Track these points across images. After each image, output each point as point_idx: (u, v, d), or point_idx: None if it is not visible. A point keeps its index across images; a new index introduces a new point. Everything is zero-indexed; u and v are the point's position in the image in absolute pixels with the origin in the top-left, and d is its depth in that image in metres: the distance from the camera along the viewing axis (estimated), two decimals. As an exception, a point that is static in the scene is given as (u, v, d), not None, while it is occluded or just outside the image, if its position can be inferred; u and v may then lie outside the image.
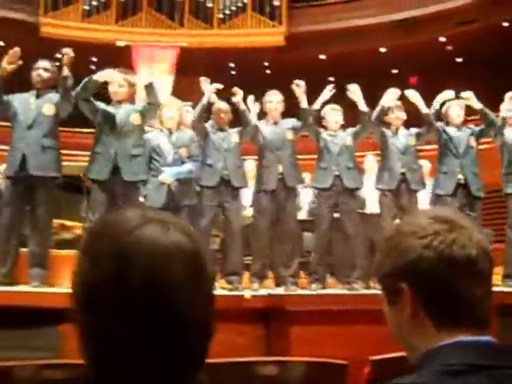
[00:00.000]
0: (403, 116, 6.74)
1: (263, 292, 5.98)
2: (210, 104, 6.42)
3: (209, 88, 6.37)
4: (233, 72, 16.48)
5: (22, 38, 14.03)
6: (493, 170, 7.01)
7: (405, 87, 6.95)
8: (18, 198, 5.72)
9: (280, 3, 15.86)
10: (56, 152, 5.81)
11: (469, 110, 6.99)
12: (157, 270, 0.99)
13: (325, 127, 6.69)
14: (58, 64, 5.90)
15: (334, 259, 6.86)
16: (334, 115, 6.65)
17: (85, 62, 5.95)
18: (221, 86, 6.42)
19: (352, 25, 15.12)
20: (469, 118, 7.28)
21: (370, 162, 8.15)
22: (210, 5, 15.95)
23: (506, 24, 14.08)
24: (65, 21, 15.45)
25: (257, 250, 6.48)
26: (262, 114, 6.69)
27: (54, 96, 5.80)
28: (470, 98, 6.74)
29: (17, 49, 5.69)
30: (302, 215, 7.79)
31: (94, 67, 11.39)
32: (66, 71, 5.70)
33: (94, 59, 14.05)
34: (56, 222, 7.19)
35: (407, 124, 6.83)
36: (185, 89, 11.23)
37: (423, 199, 6.84)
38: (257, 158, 6.74)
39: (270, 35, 15.74)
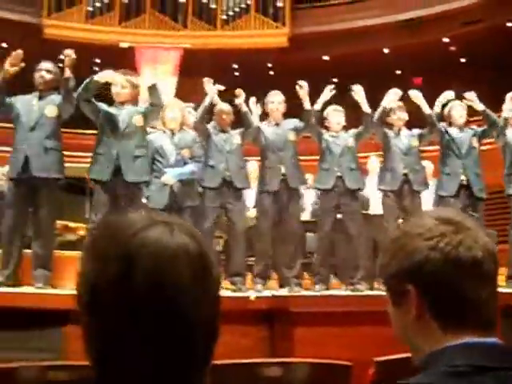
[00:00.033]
0: (405, 117, 6.73)
1: (267, 293, 5.98)
2: (212, 105, 6.42)
3: (212, 89, 6.38)
4: (236, 73, 16.48)
5: (26, 39, 14.05)
6: (495, 170, 7.00)
7: (408, 88, 6.94)
8: (20, 199, 5.72)
9: (283, 4, 15.87)
10: (58, 153, 5.82)
11: (471, 111, 6.98)
12: (162, 271, 0.98)
13: (327, 128, 6.69)
14: (61, 65, 5.90)
15: (337, 260, 6.85)
16: (336, 116, 6.65)
17: (88, 64, 5.95)
18: (223, 88, 6.43)
19: (355, 26, 15.13)
20: (471, 119, 7.27)
21: (374, 163, 8.15)
22: (213, 6, 15.96)
23: (510, 24, 14.07)
24: (68, 22, 15.47)
25: (260, 251, 6.48)
26: (264, 115, 6.69)
27: (57, 97, 5.80)
28: (472, 99, 6.74)
29: (19, 51, 5.69)
30: (306, 216, 7.79)
31: (97, 69, 11.40)
32: (67, 73, 5.71)
33: (98, 61, 14.07)
34: (60, 223, 7.20)
35: (409, 125, 6.83)
36: (188, 90, 11.23)
37: (427, 200, 6.83)
38: (259, 159, 6.74)
39: (274, 36, 15.75)
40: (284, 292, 6.13)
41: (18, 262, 5.68)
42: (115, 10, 15.76)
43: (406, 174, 6.55)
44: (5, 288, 5.40)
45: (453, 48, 15.27)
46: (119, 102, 5.93)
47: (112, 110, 5.89)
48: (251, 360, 2.72)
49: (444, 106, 6.82)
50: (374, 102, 6.63)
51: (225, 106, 6.48)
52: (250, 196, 6.94)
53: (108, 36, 15.39)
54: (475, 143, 6.73)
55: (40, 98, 5.81)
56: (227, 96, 6.46)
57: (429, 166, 7.89)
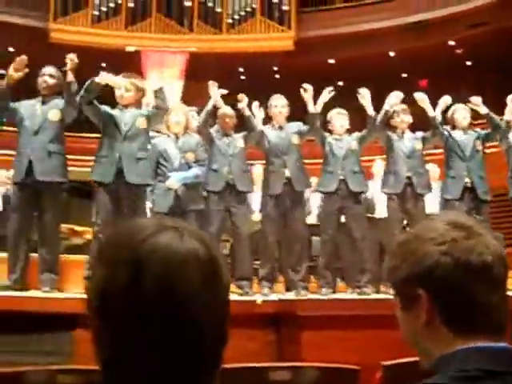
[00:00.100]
0: (409, 119, 6.72)
1: (274, 297, 5.98)
2: (215, 109, 6.43)
3: (216, 93, 6.39)
4: (242, 77, 16.51)
5: (32, 43, 14.13)
6: (499, 173, 6.99)
7: (414, 91, 6.93)
8: (25, 203, 5.73)
9: (289, 8, 15.89)
10: (62, 157, 5.82)
11: (476, 114, 6.97)
12: (171, 277, 0.99)
13: (330, 131, 6.69)
14: (66, 69, 5.90)
15: (343, 263, 6.84)
16: (339, 119, 6.64)
17: (94, 68, 5.96)
18: (226, 92, 6.43)
19: (361, 29, 15.13)
20: (475, 122, 7.26)
21: (379, 166, 8.13)
22: (218, 10, 16.00)
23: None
24: (74, 26, 15.54)
25: (265, 255, 6.48)
26: (267, 119, 6.69)
27: (60, 102, 5.81)
28: (477, 103, 6.73)
29: (24, 57, 5.70)
30: (312, 219, 7.78)
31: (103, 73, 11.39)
32: (70, 76, 5.71)
33: (104, 65, 14.10)
34: (66, 227, 7.20)
35: (414, 127, 6.82)
36: (194, 94, 11.24)
37: (431, 203, 6.82)
38: (264, 162, 6.74)
39: (279, 40, 15.77)
40: (291, 296, 6.12)
41: (25, 265, 5.68)
42: (121, 14, 15.82)
43: (409, 177, 6.54)
44: (12, 292, 5.40)
45: (458, 51, 15.26)
46: (123, 105, 5.93)
47: (115, 112, 5.89)
48: (260, 364, 2.72)
49: (447, 109, 6.81)
50: (380, 105, 6.62)
51: (228, 110, 6.48)
52: (255, 200, 6.93)
53: (114, 40, 15.43)
54: (479, 146, 6.72)
55: (43, 102, 5.82)
56: (233, 99, 6.46)
57: (434, 170, 7.88)
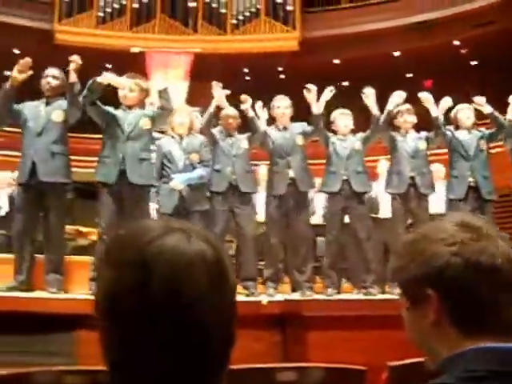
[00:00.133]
0: (413, 119, 6.71)
1: (279, 297, 5.97)
2: (218, 110, 6.43)
3: (220, 93, 6.39)
4: (247, 77, 16.51)
5: (37, 45, 14.16)
6: (503, 173, 6.98)
7: (419, 91, 6.92)
8: (29, 204, 5.74)
9: (293, 8, 15.88)
10: (65, 158, 5.83)
11: (480, 115, 6.96)
12: (179, 279, 0.99)
13: (334, 131, 6.68)
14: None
15: (348, 264, 6.83)
16: (343, 119, 6.64)
17: (99, 69, 5.96)
18: (228, 92, 6.43)
19: (366, 29, 15.12)
20: (480, 122, 7.24)
21: (383, 167, 8.12)
22: (223, 10, 16.00)
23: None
24: (79, 28, 15.55)
25: (269, 256, 6.48)
26: (270, 119, 6.68)
27: (63, 103, 5.81)
28: (481, 103, 6.71)
29: (28, 59, 5.70)
30: (317, 220, 7.78)
31: (108, 74, 11.40)
32: (73, 77, 5.72)
33: (109, 66, 14.12)
34: (72, 228, 7.22)
35: (418, 127, 6.81)
36: (199, 94, 11.25)
37: (436, 203, 6.81)
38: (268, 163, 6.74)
39: (284, 40, 15.76)
40: (296, 296, 6.12)
41: (31, 266, 5.69)
42: (126, 16, 15.83)
43: (412, 177, 6.53)
44: (18, 293, 5.41)
45: (463, 51, 15.24)
46: (126, 106, 5.93)
47: (118, 112, 5.89)
48: (267, 365, 2.72)
49: (451, 109, 6.80)
50: (385, 104, 6.61)
51: (231, 111, 6.48)
52: (260, 201, 6.94)
53: (119, 41, 15.45)
54: (483, 146, 6.70)
55: (47, 103, 5.83)
56: (237, 100, 6.45)
57: (440, 169, 7.87)
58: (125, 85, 5.87)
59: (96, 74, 5.79)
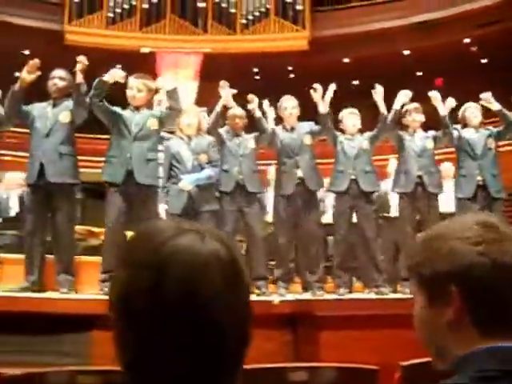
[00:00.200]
0: (421, 118, 6.69)
1: (290, 297, 5.97)
2: (225, 109, 6.43)
3: (227, 93, 6.40)
4: (257, 77, 16.51)
5: (47, 46, 14.20)
6: (511, 171, 6.95)
7: (429, 89, 6.90)
8: (38, 205, 5.76)
9: (303, 7, 15.86)
10: (73, 158, 5.84)
11: (488, 113, 6.93)
12: (193, 279, 0.99)
13: (342, 131, 6.68)
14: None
15: (357, 263, 6.82)
16: (351, 119, 6.64)
17: (109, 69, 5.97)
18: (235, 91, 6.43)
19: (375, 28, 15.09)
20: (488, 121, 7.21)
21: (393, 166, 8.11)
22: (233, 10, 16.00)
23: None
24: (89, 28, 15.59)
25: (278, 256, 6.48)
26: (277, 119, 6.67)
27: (70, 104, 5.82)
28: (488, 99, 6.68)
29: (36, 60, 5.73)
30: (327, 219, 7.77)
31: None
32: (79, 78, 5.73)
33: (119, 66, 14.13)
34: (83, 228, 7.24)
35: (426, 126, 6.79)
36: (209, 94, 11.25)
37: (446, 202, 6.79)
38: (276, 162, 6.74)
39: (294, 39, 15.75)
40: (307, 296, 6.12)
41: (42, 267, 5.71)
42: (136, 16, 15.86)
43: (420, 176, 6.50)
44: (30, 293, 5.43)
45: (473, 49, 15.19)
46: (134, 106, 5.94)
47: (125, 113, 5.89)
48: (279, 364, 2.72)
49: (458, 108, 6.79)
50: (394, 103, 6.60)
51: (238, 111, 6.48)
52: (270, 201, 6.94)
53: (129, 41, 15.48)
54: (491, 144, 6.67)
55: (54, 105, 5.85)
56: (246, 100, 6.45)
57: (450, 168, 7.85)
58: (123, 76, 5.85)
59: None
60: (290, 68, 16.49)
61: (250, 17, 16.08)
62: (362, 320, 5.25)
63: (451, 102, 6.71)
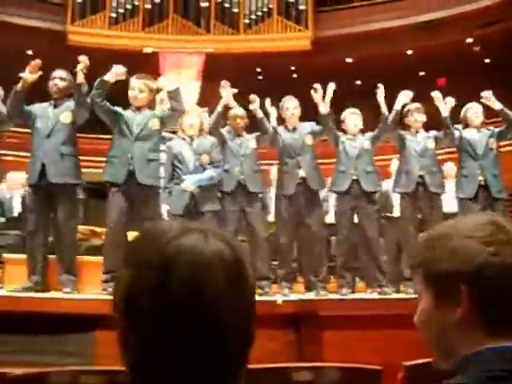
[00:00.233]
0: (423, 118, 6.69)
1: (294, 297, 5.97)
2: (227, 109, 6.43)
3: (228, 92, 6.40)
4: (260, 77, 16.51)
5: (50, 46, 14.21)
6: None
7: (432, 89, 6.90)
8: (40, 205, 5.77)
9: (306, 7, 15.86)
10: (74, 159, 5.85)
11: (489, 113, 6.92)
12: (197, 279, 0.99)
13: (344, 131, 6.68)
14: (86, 72, 5.91)
15: (360, 263, 6.82)
16: (353, 119, 6.64)
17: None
18: (236, 91, 6.43)
19: (378, 27, 15.08)
20: (489, 121, 7.20)
21: (396, 166, 8.11)
22: (235, 10, 16.00)
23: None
24: (92, 29, 15.59)
25: (281, 256, 6.48)
26: (279, 119, 6.67)
27: (71, 104, 5.83)
28: (489, 97, 6.68)
29: (38, 60, 5.74)
30: (331, 219, 7.77)
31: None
32: (80, 78, 5.74)
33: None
34: (86, 228, 7.24)
35: (428, 126, 6.78)
36: (211, 95, 11.25)
37: (448, 201, 6.79)
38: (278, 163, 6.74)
39: (297, 39, 15.74)
40: (311, 296, 6.12)
41: (44, 267, 5.72)
42: (138, 16, 15.86)
43: (421, 176, 6.50)
44: (33, 293, 5.44)
45: (476, 48, 15.17)
46: (136, 107, 5.94)
47: (127, 113, 5.89)
48: (283, 364, 2.72)
49: (460, 108, 6.78)
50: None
51: (239, 111, 6.49)
52: (273, 200, 6.94)
53: (131, 42, 15.48)
54: (493, 144, 6.67)
55: (55, 105, 5.86)
56: (247, 100, 6.45)
57: (453, 168, 7.85)
58: (124, 72, 5.84)
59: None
60: (292, 68, 16.48)
61: (253, 17, 16.08)
62: (365, 320, 5.25)
63: (451, 101, 6.70)
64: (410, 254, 6.20)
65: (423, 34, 14.81)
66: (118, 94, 6.19)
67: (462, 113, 6.83)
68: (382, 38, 14.80)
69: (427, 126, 6.78)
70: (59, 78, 5.90)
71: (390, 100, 6.57)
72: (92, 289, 5.66)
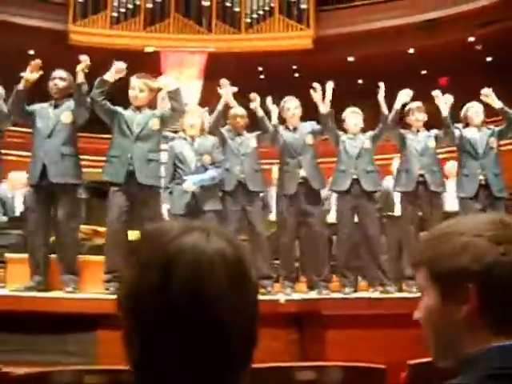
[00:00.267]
0: (423, 117, 6.69)
1: (296, 296, 5.97)
2: (227, 108, 6.43)
3: (228, 91, 6.39)
4: (261, 76, 16.49)
5: (51, 46, 14.21)
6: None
7: (434, 88, 6.89)
8: (40, 205, 5.78)
9: (307, 6, 15.83)
10: (75, 159, 5.86)
11: (490, 112, 6.91)
12: (199, 278, 0.98)
13: (344, 130, 6.67)
14: (88, 71, 5.91)
15: (362, 262, 6.82)
16: (353, 118, 6.64)
17: (113, 69, 5.99)
18: (236, 89, 6.43)
19: (380, 26, 15.06)
20: (489, 120, 7.19)
21: (397, 164, 8.10)
22: (237, 9, 15.98)
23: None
24: (93, 28, 15.58)
25: (282, 255, 6.48)
26: (280, 119, 6.66)
27: (71, 104, 5.85)
28: (489, 94, 6.67)
29: (38, 60, 5.75)
30: (332, 218, 7.76)
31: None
32: (80, 78, 5.74)
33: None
34: (88, 227, 7.24)
35: (429, 125, 6.77)
36: (213, 94, 11.25)
37: (450, 200, 6.78)
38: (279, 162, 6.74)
39: (298, 38, 15.72)
40: (313, 295, 6.11)
41: (46, 266, 5.73)
42: (140, 15, 15.84)
43: (422, 175, 6.49)
44: (36, 293, 5.44)
45: (478, 47, 15.16)
46: (136, 106, 5.93)
47: (127, 112, 5.89)
48: (286, 364, 2.72)
49: (461, 107, 6.77)
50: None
51: (239, 110, 6.49)
52: (274, 199, 6.94)
53: (133, 41, 15.47)
54: (493, 143, 6.67)
55: (55, 105, 5.87)
56: (249, 99, 6.44)
57: (453, 166, 7.83)
58: (123, 69, 5.84)
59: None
60: (294, 67, 16.47)
61: (255, 16, 16.05)
62: (368, 319, 5.25)
63: (450, 98, 6.69)
64: (411, 253, 6.20)
65: (425, 32, 14.80)
66: (119, 93, 6.19)
67: (462, 112, 6.83)
68: (384, 37, 14.79)
69: (428, 125, 6.77)
70: (59, 78, 5.90)
71: (392, 99, 6.56)
72: (94, 288, 5.67)
